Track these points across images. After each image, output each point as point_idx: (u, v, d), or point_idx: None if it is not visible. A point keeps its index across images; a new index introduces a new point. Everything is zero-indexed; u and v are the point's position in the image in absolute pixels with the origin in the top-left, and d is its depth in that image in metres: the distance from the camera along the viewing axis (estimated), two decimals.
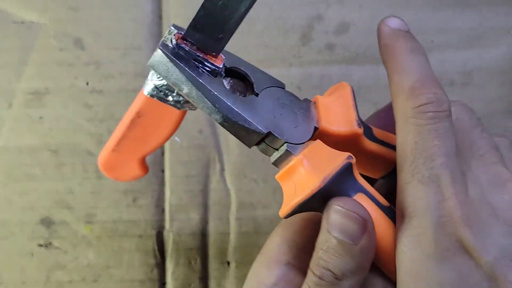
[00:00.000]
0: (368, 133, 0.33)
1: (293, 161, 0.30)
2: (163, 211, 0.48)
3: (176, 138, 0.48)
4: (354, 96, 0.33)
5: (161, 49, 0.29)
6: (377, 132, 0.34)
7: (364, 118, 0.48)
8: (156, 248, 0.48)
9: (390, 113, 0.31)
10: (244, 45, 0.48)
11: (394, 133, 0.31)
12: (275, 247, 0.32)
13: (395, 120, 0.30)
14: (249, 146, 0.31)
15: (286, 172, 0.30)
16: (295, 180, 0.30)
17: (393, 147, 0.33)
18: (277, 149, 0.31)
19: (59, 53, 0.48)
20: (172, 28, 0.30)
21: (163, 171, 0.48)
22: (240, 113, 0.30)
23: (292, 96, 0.33)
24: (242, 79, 0.33)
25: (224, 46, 0.30)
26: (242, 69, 0.33)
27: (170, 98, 0.32)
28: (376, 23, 0.49)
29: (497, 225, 0.26)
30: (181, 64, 0.30)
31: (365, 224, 0.28)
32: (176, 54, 0.30)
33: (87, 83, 0.48)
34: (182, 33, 0.30)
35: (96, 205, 0.47)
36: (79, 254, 0.47)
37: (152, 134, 0.34)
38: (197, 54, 0.30)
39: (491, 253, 0.25)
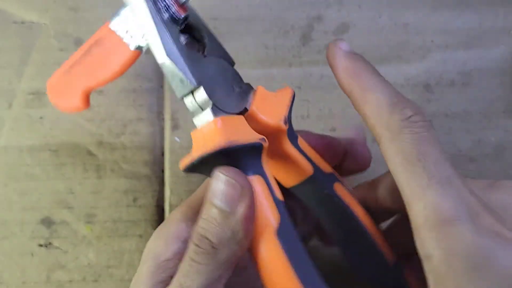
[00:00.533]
0: (292, 138, 0.34)
1: (211, 122, 0.31)
2: (163, 211, 0.48)
3: (176, 138, 0.48)
4: (293, 100, 0.35)
5: None
6: (301, 142, 0.35)
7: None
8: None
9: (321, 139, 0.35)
10: (244, 45, 0.48)
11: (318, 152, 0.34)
12: (175, 223, 0.33)
13: (380, 137, 0.30)
14: (179, 96, 0.32)
15: (201, 130, 0.31)
16: (205, 138, 0.31)
17: (310, 160, 0.35)
18: (202, 109, 0.32)
19: (59, 53, 0.48)
20: None
21: (163, 171, 0.48)
22: (181, 60, 0.31)
23: (236, 75, 0.34)
24: (197, 40, 0.34)
25: None
26: (201, 32, 0.34)
27: (129, 37, 0.33)
28: (376, 23, 0.49)
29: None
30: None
31: (243, 191, 0.29)
32: None
33: None
34: None
35: (96, 205, 0.47)
36: (79, 254, 0.47)
37: (102, 67, 0.35)
38: None
39: None
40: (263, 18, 0.49)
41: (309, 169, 0.35)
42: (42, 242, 0.47)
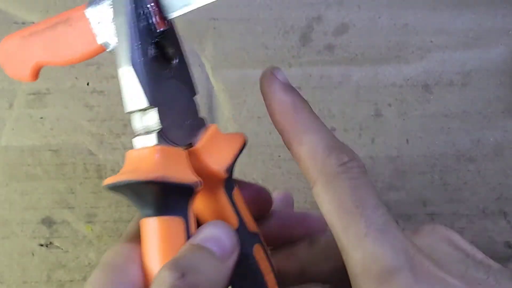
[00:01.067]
0: (229, 187, 0.33)
1: (152, 148, 0.29)
2: None
3: None
4: (242, 149, 0.33)
5: None
6: (236, 194, 0.33)
7: (362, 118, 0.48)
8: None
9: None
10: (243, 45, 0.48)
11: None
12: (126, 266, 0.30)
13: (314, 181, 0.29)
14: (127, 110, 0.30)
15: (138, 152, 0.29)
16: (140, 163, 0.29)
17: (238, 214, 0.33)
18: (147, 132, 0.30)
19: None
20: None
21: None
22: (143, 73, 0.29)
23: (194, 106, 0.33)
24: (166, 58, 0.32)
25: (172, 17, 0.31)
26: (174, 51, 0.32)
27: (99, 29, 0.32)
28: (375, 23, 0.49)
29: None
30: (130, 2, 0.30)
31: (236, 248, 0.29)
32: None
33: (88, 84, 0.48)
34: None
35: (97, 204, 0.48)
36: (80, 254, 0.47)
37: (62, 47, 0.33)
38: (152, 4, 0.30)
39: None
40: (263, 18, 0.49)
41: (234, 223, 0.33)
42: (42, 241, 0.47)
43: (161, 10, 0.31)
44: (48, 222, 0.48)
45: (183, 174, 0.29)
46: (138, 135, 0.30)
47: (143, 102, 0.29)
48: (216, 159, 0.31)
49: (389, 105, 0.49)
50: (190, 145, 0.31)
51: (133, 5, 0.30)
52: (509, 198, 0.49)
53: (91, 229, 0.48)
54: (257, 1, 0.49)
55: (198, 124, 0.32)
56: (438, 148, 0.49)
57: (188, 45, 0.48)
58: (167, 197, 0.28)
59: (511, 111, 0.49)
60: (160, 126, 0.29)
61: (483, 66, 0.49)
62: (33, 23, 0.48)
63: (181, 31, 0.49)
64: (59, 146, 0.48)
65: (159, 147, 0.29)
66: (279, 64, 0.48)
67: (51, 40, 0.33)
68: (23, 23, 0.48)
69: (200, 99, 0.49)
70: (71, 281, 0.47)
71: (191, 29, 0.48)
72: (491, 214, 0.49)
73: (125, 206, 0.48)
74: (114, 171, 0.48)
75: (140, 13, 0.30)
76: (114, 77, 0.48)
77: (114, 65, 0.50)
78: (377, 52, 0.49)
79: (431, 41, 0.49)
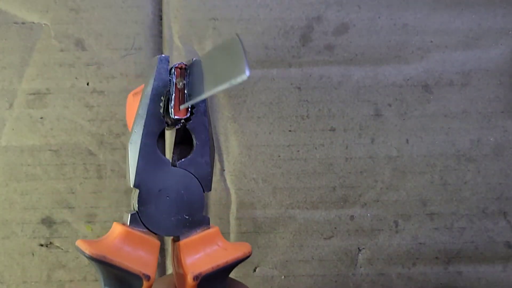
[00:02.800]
0: None
1: (118, 226, 0.30)
2: None
3: None
4: (239, 261, 0.32)
5: (159, 58, 0.31)
6: None
7: (362, 118, 0.48)
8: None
9: None
10: (244, 45, 0.48)
11: None
12: None
13: None
14: (126, 184, 0.31)
15: (114, 227, 0.30)
16: (108, 235, 0.30)
17: None
18: (130, 208, 0.31)
19: (60, 54, 0.48)
20: (193, 59, 0.31)
21: None
22: (137, 153, 0.30)
23: (199, 202, 0.32)
24: (186, 145, 0.33)
25: (191, 104, 0.31)
26: (193, 143, 0.32)
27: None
28: (375, 24, 0.49)
29: None
30: (156, 81, 0.31)
31: None
32: (161, 71, 0.31)
33: (88, 84, 0.48)
34: (185, 65, 0.31)
35: (97, 205, 0.48)
36: (80, 254, 0.47)
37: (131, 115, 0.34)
38: (174, 90, 0.31)
39: None
40: (263, 18, 0.49)
41: None
42: (43, 241, 0.47)
43: (181, 98, 0.31)
44: (48, 222, 0.48)
45: (137, 261, 0.29)
46: (128, 209, 0.31)
47: (130, 181, 0.30)
48: (193, 262, 0.30)
49: (389, 105, 0.49)
50: (178, 238, 0.31)
51: (155, 87, 0.31)
52: (509, 198, 0.49)
53: (91, 229, 0.47)
54: (257, 1, 0.49)
55: (199, 221, 0.32)
56: (438, 148, 0.49)
57: (188, 45, 0.48)
58: (114, 279, 0.29)
59: (511, 111, 0.49)
60: (136, 210, 0.30)
61: (483, 66, 0.49)
62: (33, 23, 0.48)
63: (181, 30, 0.49)
64: (59, 146, 0.48)
65: (124, 229, 0.30)
66: (279, 64, 0.48)
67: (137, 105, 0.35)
68: (23, 23, 0.48)
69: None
70: (71, 281, 0.47)
71: (191, 29, 0.48)
72: (491, 214, 0.49)
73: (125, 207, 0.48)
74: (114, 171, 0.48)
75: (162, 93, 0.31)
76: (114, 77, 0.48)
77: (114, 65, 0.50)
78: (377, 52, 0.49)
79: (431, 41, 0.49)
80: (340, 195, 0.48)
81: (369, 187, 0.48)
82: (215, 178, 0.48)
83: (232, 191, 0.48)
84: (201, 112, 0.32)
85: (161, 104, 0.31)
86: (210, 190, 0.32)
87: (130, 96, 0.39)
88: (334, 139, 0.48)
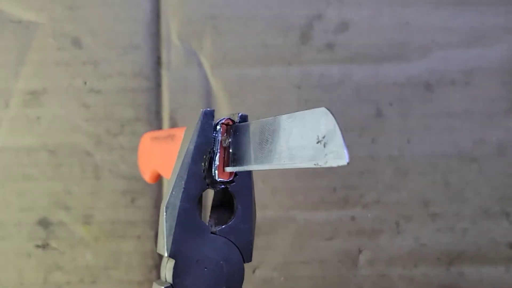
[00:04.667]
0: None
1: None
2: None
3: None
4: None
5: (203, 112, 0.29)
6: None
7: (363, 117, 0.48)
8: (154, 249, 0.48)
9: None
10: (243, 43, 0.48)
11: None
12: None
13: None
14: (159, 251, 0.29)
15: None
16: None
17: None
18: (162, 279, 0.28)
19: (57, 53, 0.48)
20: (238, 116, 0.29)
21: None
22: (174, 219, 0.27)
23: (239, 274, 0.29)
24: (226, 211, 0.30)
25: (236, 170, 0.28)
26: (235, 208, 0.29)
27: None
28: (376, 22, 0.49)
29: None
30: (199, 138, 0.28)
31: None
32: (205, 127, 0.28)
33: (85, 83, 0.48)
34: (233, 122, 0.29)
35: (94, 205, 0.47)
36: (77, 255, 0.47)
37: (169, 163, 0.32)
38: (218, 148, 0.28)
39: None
40: (263, 16, 0.48)
41: None
42: (39, 243, 0.47)
43: (226, 158, 0.28)
44: (44, 223, 0.47)
45: None
46: (158, 279, 0.29)
47: (165, 250, 0.28)
48: None
49: (390, 104, 0.48)
50: None
51: (199, 145, 0.28)
52: None
53: (88, 231, 0.47)
54: None
55: None
56: (440, 148, 0.48)
57: (186, 43, 0.48)
58: None
59: None
60: (170, 283, 0.27)
61: (485, 65, 0.49)
62: (30, 21, 0.48)
63: (180, 29, 0.48)
64: (55, 146, 0.47)
65: None
66: (278, 63, 0.48)
67: (163, 152, 0.32)
68: (20, 22, 0.48)
69: (198, 98, 0.49)
70: (68, 283, 0.47)
71: (190, 27, 0.48)
72: (493, 214, 0.48)
73: (122, 207, 0.47)
74: (112, 172, 0.47)
75: (204, 154, 0.28)
76: (112, 76, 0.48)
77: (111, 64, 0.50)
78: (378, 50, 0.49)
79: (433, 40, 0.49)
80: (340, 195, 0.48)
81: (370, 188, 0.48)
82: None
83: None
84: (245, 174, 0.29)
85: (203, 164, 0.28)
86: (251, 260, 0.30)
87: (146, 139, 0.37)
88: None
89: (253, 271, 0.48)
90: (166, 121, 0.48)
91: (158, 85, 0.48)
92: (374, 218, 0.48)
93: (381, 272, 0.48)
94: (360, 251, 0.48)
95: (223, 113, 0.48)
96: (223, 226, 0.29)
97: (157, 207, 0.48)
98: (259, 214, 0.48)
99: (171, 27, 0.48)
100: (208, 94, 0.48)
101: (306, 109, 0.27)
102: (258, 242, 0.48)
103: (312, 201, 0.48)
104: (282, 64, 0.48)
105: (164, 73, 0.48)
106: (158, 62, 0.48)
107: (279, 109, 0.47)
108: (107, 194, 0.47)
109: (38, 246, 0.47)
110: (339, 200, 0.48)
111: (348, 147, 0.21)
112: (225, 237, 0.29)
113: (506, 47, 0.49)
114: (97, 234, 0.47)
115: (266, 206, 0.48)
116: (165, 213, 0.28)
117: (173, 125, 0.47)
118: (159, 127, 0.48)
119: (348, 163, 0.21)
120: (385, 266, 0.48)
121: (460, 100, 0.49)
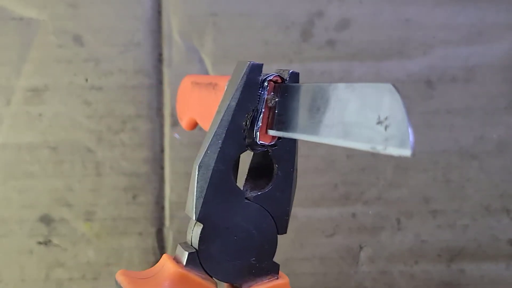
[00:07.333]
0: None
1: (174, 266, 0.25)
2: (163, 208, 0.48)
3: (176, 135, 0.48)
4: None
5: (250, 65, 0.25)
6: None
7: None
8: (156, 245, 0.48)
9: None
10: (244, 40, 0.48)
11: None
12: None
13: None
14: (185, 211, 0.27)
15: (165, 264, 0.26)
16: (158, 273, 0.26)
17: None
18: (187, 243, 0.26)
19: (58, 50, 0.48)
20: (285, 72, 0.26)
21: (163, 168, 0.48)
22: (206, 180, 0.25)
23: (269, 247, 0.27)
24: (263, 175, 0.27)
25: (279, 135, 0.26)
26: (274, 173, 0.27)
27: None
28: (377, 19, 0.49)
29: None
30: (242, 94, 0.25)
31: None
32: (251, 82, 0.25)
33: (87, 80, 0.48)
34: (282, 80, 0.26)
35: (95, 202, 0.47)
36: (78, 252, 0.47)
37: (208, 113, 0.29)
38: (263, 108, 0.25)
39: None
40: (264, 13, 0.48)
41: None
42: (41, 239, 0.47)
43: (270, 119, 0.25)
44: (46, 220, 0.47)
45: None
46: (184, 242, 0.27)
47: (193, 213, 0.25)
48: None
49: None
50: (240, 285, 0.27)
51: (241, 101, 0.25)
52: None
53: (90, 227, 0.47)
54: None
55: (267, 269, 0.27)
56: (440, 145, 0.48)
57: (187, 40, 0.48)
58: None
59: None
60: (196, 249, 0.25)
61: (486, 62, 0.49)
62: (31, 18, 0.48)
63: (181, 26, 0.48)
64: (57, 143, 0.47)
65: (178, 271, 0.25)
66: (279, 60, 0.48)
67: (203, 100, 0.30)
68: (21, 19, 0.48)
69: None
70: (70, 279, 0.47)
71: (191, 24, 0.48)
72: (494, 211, 0.48)
73: (124, 204, 0.47)
74: (113, 168, 0.47)
75: (247, 113, 0.25)
76: (113, 73, 0.48)
77: (113, 61, 0.50)
78: (379, 47, 0.48)
79: (434, 37, 0.49)
80: (341, 192, 0.48)
81: (371, 185, 0.48)
82: None
83: None
84: (290, 139, 0.26)
85: (244, 123, 0.26)
86: (286, 233, 0.27)
87: (187, 82, 0.34)
88: None
89: None
90: (167, 118, 0.48)
91: (159, 82, 0.48)
92: (375, 214, 0.48)
93: (382, 269, 0.48)
94: (361, 248, 0.48)
95: None
96: (259, 193, 0.27)
97: (158, 203, 0.48)
98: None
99: (172, 24, 0.48)
100: None
101: None
102: None
103: (313, 198, 0.48)
104: (283, 61, 0.48)
105: (165, 70, 0.48)
106: (159, 59, 0.48)
107: None
108: (108, 191, 0.47)
109: (40, 243, 0.47)
110: (340, 197, 0.48)
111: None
112: (260, 205, 0.27)
113: (506, 44, 0.49)
114: (99, 231, 0.47)
115: None
116: (197, 173, 0.25)
117: (175, 122, 0.47)
118: (161, 124, 0.48)
119: (412, 155, 0.18)
120: (386, 262, 0.48)
121: (461, 97, 0.48)
